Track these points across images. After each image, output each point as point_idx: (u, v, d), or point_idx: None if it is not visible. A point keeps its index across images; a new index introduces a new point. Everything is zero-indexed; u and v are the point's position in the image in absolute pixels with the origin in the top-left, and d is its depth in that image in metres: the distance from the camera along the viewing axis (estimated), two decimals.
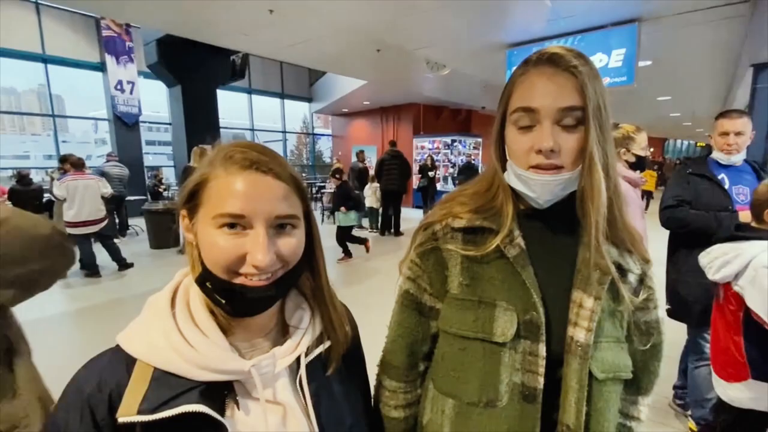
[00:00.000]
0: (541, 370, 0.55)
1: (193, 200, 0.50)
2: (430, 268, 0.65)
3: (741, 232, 1.40)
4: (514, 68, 0.60)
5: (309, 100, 13.57)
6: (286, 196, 0.49)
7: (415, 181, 9.80)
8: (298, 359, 0.54)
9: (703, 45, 5.02)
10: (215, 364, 0.47)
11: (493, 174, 0.65)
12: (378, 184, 7.20)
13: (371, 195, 7.28)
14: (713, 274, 1.40)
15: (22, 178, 6.65)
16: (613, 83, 4.52)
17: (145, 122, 10.23)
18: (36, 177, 9.11)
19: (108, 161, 6.97)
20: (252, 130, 12.83)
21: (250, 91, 12.27)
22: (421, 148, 10.86)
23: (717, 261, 1.39)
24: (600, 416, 0.57)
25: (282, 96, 13.13)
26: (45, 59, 8.52)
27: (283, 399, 0.52)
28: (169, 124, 8.02)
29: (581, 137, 0.54)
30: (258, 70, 12.02)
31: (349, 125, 13.96)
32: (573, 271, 0.59)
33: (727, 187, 1.82)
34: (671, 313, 1.98)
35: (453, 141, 10.38)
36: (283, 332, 0.58)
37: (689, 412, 2.04)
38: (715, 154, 1.87)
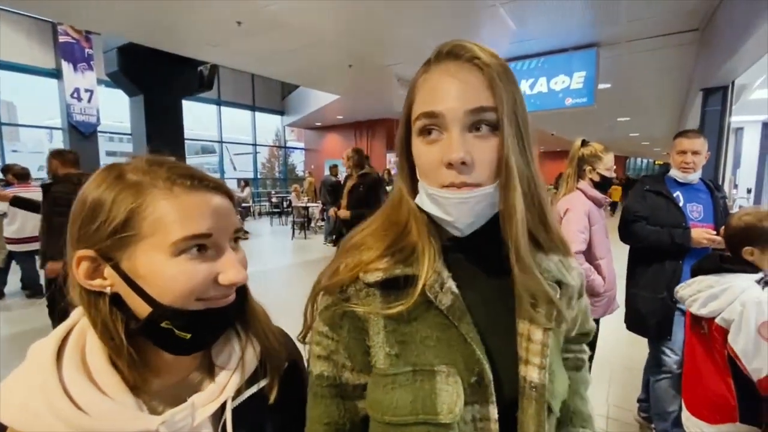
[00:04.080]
0: None
1: (117, 234, 0.42)
2: (345, 335, 0.49)
3: (728, 264, 1.30)
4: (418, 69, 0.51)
5: (281, 113, 13.41)
6: (232, 209, 0.49)
7: None
8: (224, 405, 0.47)
9: (657, 70, 5.33)
10: (112, 427, 0.40)
11: (400, 199, 0.53)
12: None
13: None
14: (698, 309, 1.29)
15: None
16: (575, 104, 4.70)
17: (104, 132, 9.77)
18: None
19: None
20: (221, 142, 12.49)
21: (219, 103, 12.00)
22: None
23: (702, 294, 1.28)
24: None
25: (253, 108, 12.92)
26: None
27: None
28: (130, 134, 7.66)
29: (497, 145, 0.45)
30: (228, 81, 11.80)
31: (322, 139, 13.88)
32: (513, 299, 0.50)
33: (681, 204, 1.88)
34: (629, 326, 2.03)
35: None
36: (209, 373, 0.50)
37: (653, 425, 2.06)
38: (673, 172, 1.94)
